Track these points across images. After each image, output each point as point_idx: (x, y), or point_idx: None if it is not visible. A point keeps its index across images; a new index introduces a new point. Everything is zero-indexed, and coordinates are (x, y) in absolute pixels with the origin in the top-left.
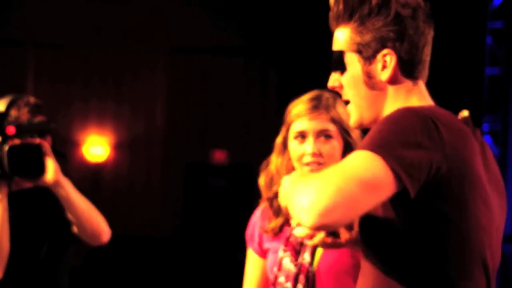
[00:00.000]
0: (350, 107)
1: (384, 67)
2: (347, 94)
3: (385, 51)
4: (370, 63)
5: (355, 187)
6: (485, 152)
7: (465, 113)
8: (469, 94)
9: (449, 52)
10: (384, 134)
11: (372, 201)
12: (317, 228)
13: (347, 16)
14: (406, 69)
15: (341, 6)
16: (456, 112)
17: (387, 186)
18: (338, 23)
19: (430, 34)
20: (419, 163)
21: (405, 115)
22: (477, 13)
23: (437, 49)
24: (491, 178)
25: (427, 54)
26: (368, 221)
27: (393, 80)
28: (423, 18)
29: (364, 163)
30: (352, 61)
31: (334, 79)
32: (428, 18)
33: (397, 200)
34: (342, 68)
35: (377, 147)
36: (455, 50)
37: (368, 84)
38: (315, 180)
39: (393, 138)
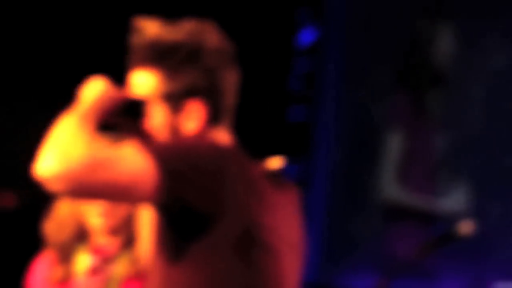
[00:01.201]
0: None
1: (191, 117)
2: None
3: (193, 101)
4: (177, 113)
5: (110, 178)
6: (289, 205)
7: (275, 163)
8: (273, 139)
9: (252, 92)
10: (173, 148)
11: (118, 197)
12: (41, 181)
13: (156, 61)
14: (213, 118)
15: (149, 50)
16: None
17: (144, 194)
18: (141, 66)
19: (237, 79)
20: (192, 183)
21: (206, 144)
22: (282, 53)
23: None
24: (289, 232)
25: (234, 100)
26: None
27: (199, 129)
28: (231, 64)
29: (134, 161)
30: (157, 109)
31: (131, 126)
32: (235, 63)
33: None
34: (142, 115)
35: (160, 155)
36: (258, 92)
37: (172, 133)
38: (86, 142)
39: (180, 155)
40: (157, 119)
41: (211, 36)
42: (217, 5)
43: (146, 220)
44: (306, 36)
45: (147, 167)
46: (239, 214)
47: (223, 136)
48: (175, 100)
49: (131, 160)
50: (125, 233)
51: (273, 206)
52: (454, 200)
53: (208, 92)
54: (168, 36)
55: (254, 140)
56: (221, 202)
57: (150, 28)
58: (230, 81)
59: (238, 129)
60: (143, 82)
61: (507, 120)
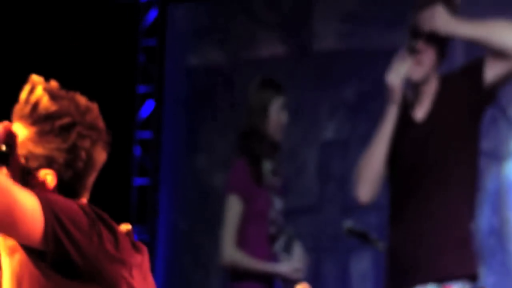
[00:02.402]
0: None
1: (37, 183)
2: None
3: (48, 170)
4: (30, 174)
5: (5, 202)
6: (144, 265)
7: (127, 226)
8: (117, 204)
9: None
10: (52, 198)
11: (6, 225)
12: None
13: (31, 121)
14: (65, 191)
15: (28, 109)
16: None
17: (29, 230)
18: (19, 120)
19: (103, 161)
20: (69, 234)
21: (76, 204)
22: (124, 124)
23: None
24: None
25: (92, 179)
26: None
27: None
28: (100, 148)
29: (26, 196)
30: (14, 163)
31: None
32: (107, 145)
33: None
34: (7, 163)
35: (42, 199)
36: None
37: None
38: None
39: (58, 206)
40: (13, 173)
41: (91, 115)
42: (67, 80)
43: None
44: (148, 109)
45: (36, 205)
46: (108, 270)
47: None
48: (33, 162)
49: (24, 194)
50: None
51: (133, 265)
52: (291, 262)
53: (65, 168)
54: (49, 103)
55: (101, 205)
56: (91, 257)
57: (39, 88)
58: (93, 164)
59: (92, 193)
60: (17, 133)
61: (339, 186)
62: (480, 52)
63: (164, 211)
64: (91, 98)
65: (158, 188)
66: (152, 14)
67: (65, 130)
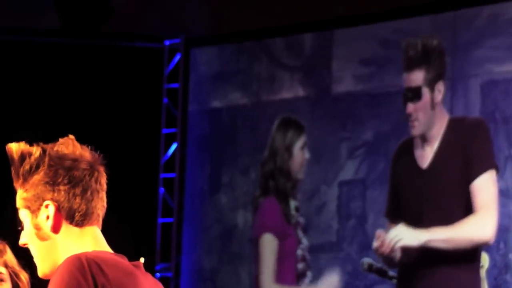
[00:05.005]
0: (35, 259)
1: (47, 217)
2: (30, 248)
3: (46, 202)
4: (36, 216)
5: None
6: None
7: (141, 260)
8: (143, 243)
9: (123, 198)
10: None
11: None
12: None
13: (16, 175)
14: (69, 217)
15: (16, 167)
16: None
17: None
18: (17, 181)
19: (96, 182)
20: None
21: (68, 266)
22: (149, 165)
23: (110, 196)
24: None
25: (91, 202)
26: None
27: (58, 229)
28: (84, 167)
29: None
30: (25, 216)
31: (22, 235)
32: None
33: None
34: (21, 224)
35: None
36: (128, 199)
37: (39, 236)
38: None
39: None
40: (26, 226)
41: (58, 146)
42: (92, 124)
43: None
44: (172, 150)
45: None
46: None
47: (91, 238)
48: (32, 205)
49: None
50: None
51: None
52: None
53: (55, 192)
54: (24, 148)
55: (127, 244)
56: None
57: (15, 148)
58: (81, 183)
59: (118, 232)
60: (17, 195)
61: (358, 223)
62: (495, 91)
63: (188, 249)
64: (116, 140)
65: (182, 227)
66: (176, 58)
67: (40, 159)
